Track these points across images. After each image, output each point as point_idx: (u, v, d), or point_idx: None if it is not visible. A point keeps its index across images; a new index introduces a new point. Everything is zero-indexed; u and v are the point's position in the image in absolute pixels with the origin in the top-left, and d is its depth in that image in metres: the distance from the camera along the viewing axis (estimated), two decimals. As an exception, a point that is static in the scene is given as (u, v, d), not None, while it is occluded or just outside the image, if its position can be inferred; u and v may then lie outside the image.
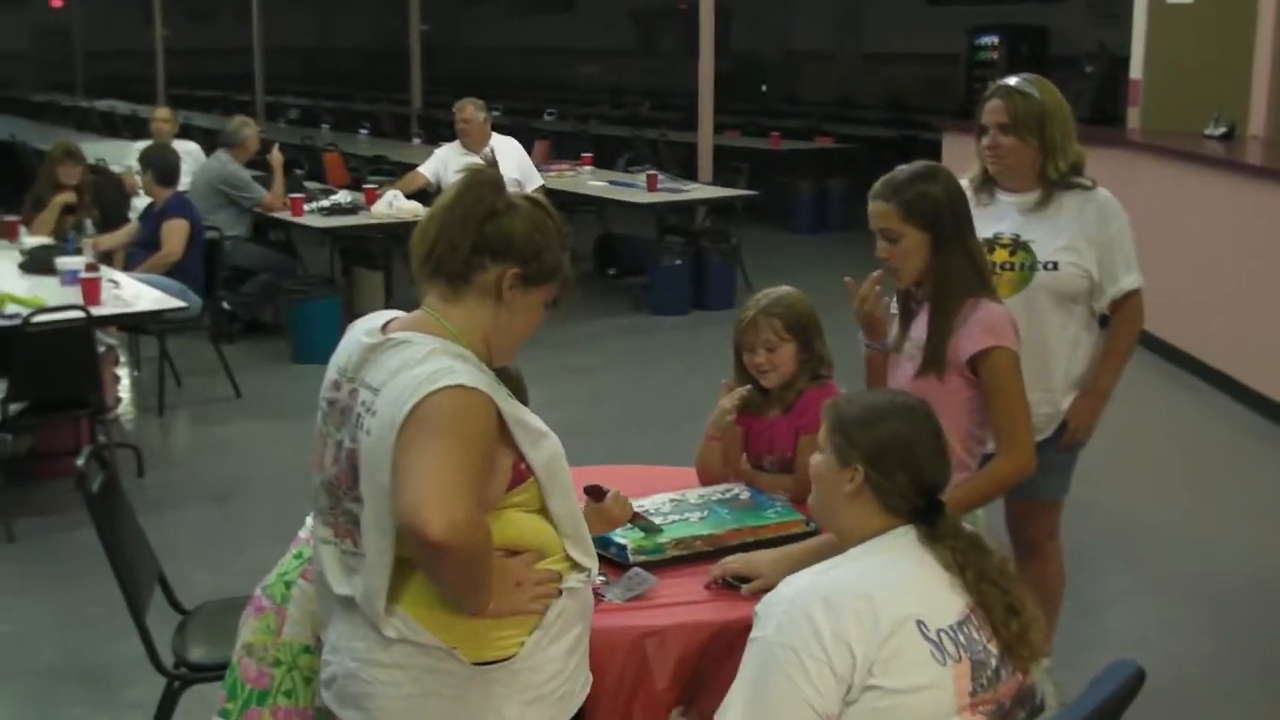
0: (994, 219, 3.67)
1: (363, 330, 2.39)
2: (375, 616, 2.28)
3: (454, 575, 2.20)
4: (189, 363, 7.87)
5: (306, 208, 8.95)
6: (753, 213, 11.35)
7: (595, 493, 2.79)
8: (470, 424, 2.18)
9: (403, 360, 2.24)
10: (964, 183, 3.59)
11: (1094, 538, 5.76)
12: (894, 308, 3.36)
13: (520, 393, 2.58)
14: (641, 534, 2.95)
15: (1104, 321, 3.85)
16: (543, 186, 9.17)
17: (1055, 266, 3.62)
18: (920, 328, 3.18)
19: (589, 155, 11.74)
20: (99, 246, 7.24)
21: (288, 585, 2.78)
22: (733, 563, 2.84)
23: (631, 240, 11.11)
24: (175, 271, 7.30)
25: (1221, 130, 8.70)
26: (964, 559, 2.35)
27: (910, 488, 2.39)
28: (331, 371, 2.42)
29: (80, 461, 3.33)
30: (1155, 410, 7.74)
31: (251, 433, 7.07)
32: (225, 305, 8.63)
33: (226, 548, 5.33)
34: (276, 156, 9.21)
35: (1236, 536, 5.70)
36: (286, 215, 8.97)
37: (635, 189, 10.25)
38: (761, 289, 3.50)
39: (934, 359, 3.10)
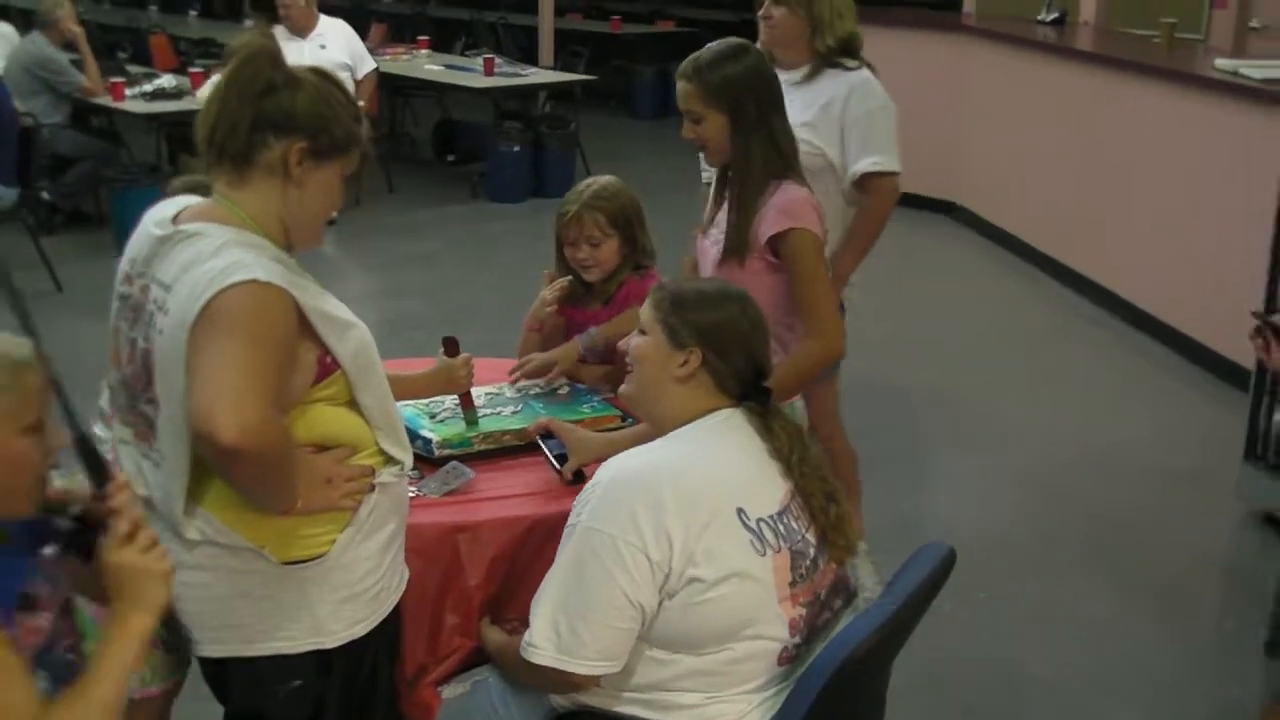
0: None
1: (153, 221, 2.27)
2: (174, 520, 2.20)
3: (250, 480, 2.13)
4: (7, 256, 7.50)
5: (128, 92, 8.60)
6: (594, 98, 11.25)
7: (451, 346, 2.74)
8: (264, 321, 2.08)
9: (194, 254, 2.13)
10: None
11: (930, 422, 5.89)
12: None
13: None
14: (459, 425, 2.91)
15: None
16: (376, 70, 8.95)
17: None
18: (726, 213, 3.15)
19: (426, 38, 11.48)
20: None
21: None
22: (552, 424, 2.84)
23: (470, 126, 10.92)
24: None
25: (1054, 16, 8.79)
26: (789, 442, 2.35)
27: (747, 369, 2.37)
28: (124, 264, 2.30)
29: None
30: (985, 293, 7.90)
31: (73, 328, 6.77)
32: (44, 195, 8.30)
33: (44, 447, 5.15)
34: (76, 30, 8.75)
35: (1068, 416, 5.86)
36: (107, 100, 8.61)
37: (472, 73, 10.05)
38: (601, 174, 3.44)
39: (736, 243, 3.08)
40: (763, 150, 3.07)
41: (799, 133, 3.57)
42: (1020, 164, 8.38)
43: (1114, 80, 7.27)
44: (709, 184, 3.36)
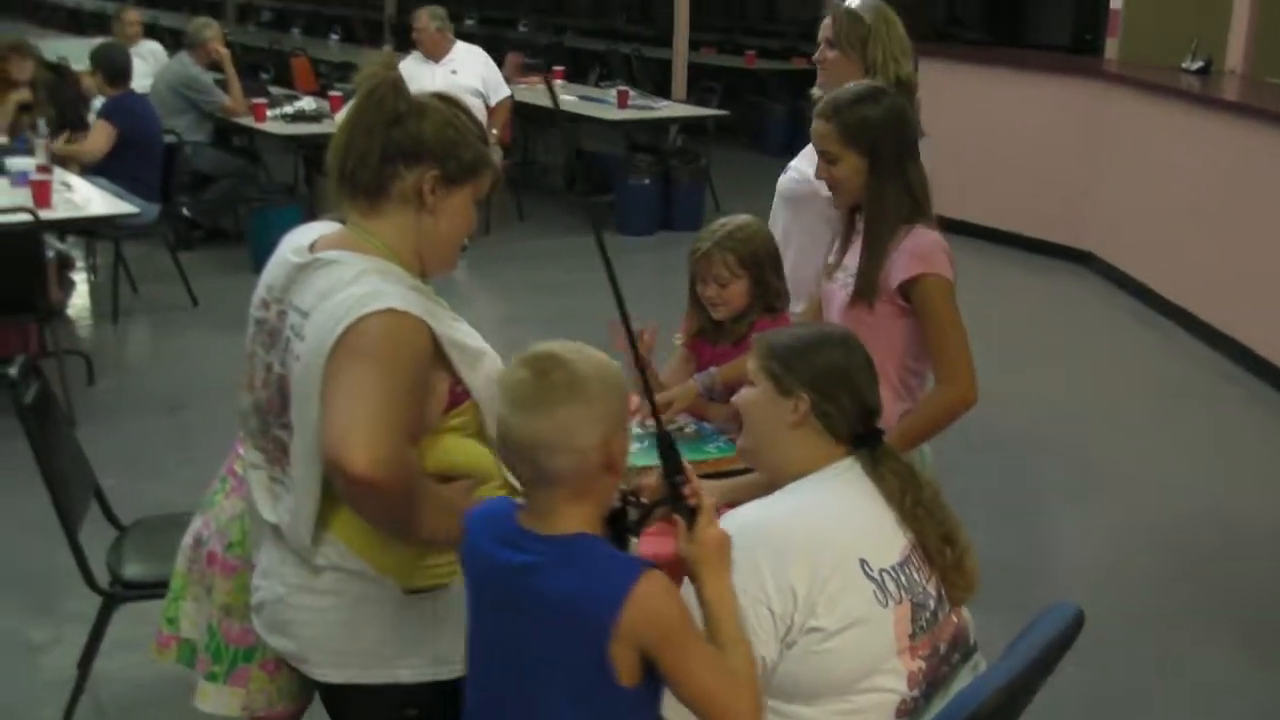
0: None
1: (290, 248, 2.29)
2: (302, 546, 2.22)
3: (377, 510, 2.14)
4: (146, 269, 7.76)
5: (270, 114, 8.80)
6: (725, 133, 11.24)
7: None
8: (399, 350, 2.09)
9: (331, 282, 2.15)
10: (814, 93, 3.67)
11: (1056, 477, 5.77)
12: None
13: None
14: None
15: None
16: (510, 98, 9.04)
17: (785, 170, 3.73)
18: (855, 255, 3.11)
19: (561, 69, 11.59)
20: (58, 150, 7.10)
21: None
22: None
23: (602, 157, 10.99)
24: (117, 178, 7.12)
25: (1199, 64, 8.61)
26: (904, 486, 2.31)
27: (855, 412, 2.34)
28: (260, 289, 2.33)
29: (13, 371, 3.25)
30: (1117, 346, 7.73)
31: (206, 342, 6.97)
32: (185, 212, 8.52)
33: (174, 460, 5.27)
34: (222, 52, 8.98)
35: (1193, 475, 5.70)
36: (249, 121, 8.81)
37: (606, 105, 10.12)
38: (730, 211, 3.44)
39: (865, 286, 3.04)
40: (896, 194, 3.04)
41: (798, 163, 3.69)
42: (1158, 215, 8.19)
43: (1260, 132, 7.09)
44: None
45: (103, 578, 3.35)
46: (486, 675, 2.06)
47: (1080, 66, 9.70)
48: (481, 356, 2.26)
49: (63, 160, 7.12)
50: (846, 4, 3.69)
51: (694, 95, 11.41)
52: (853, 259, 3.12)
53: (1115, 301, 8.42)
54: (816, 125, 3.08)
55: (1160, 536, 5.08)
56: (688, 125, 10.66)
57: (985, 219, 9.39)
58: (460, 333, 2.25)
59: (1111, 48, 9.77)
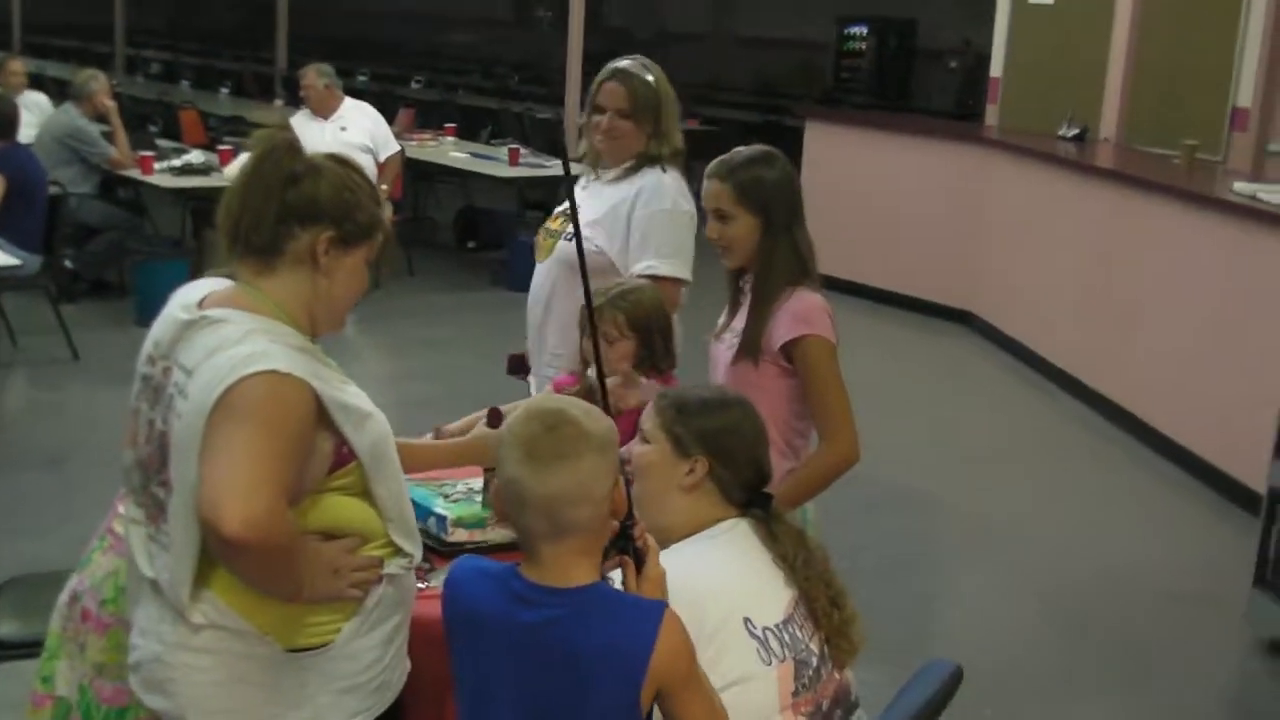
0: (584, 192, 3.72)
1: (179, 305, 2.29)
2: (180, 603, 2.20)
3: (253, 569, 2.13)
4: (27, 322, 7.62)
5: (157, 166, 8.70)
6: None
7: (496, 418, 2.73)
8: (280, 412, 2.09)
9: (218, 340, 2.15)
10: (578, 165, 3.70)
11: (941, 534, 5.87)
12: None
13: None
14: (474, 506, 2.91)
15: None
16: (401, 153, 9.05)
17: (571, 238, 3.63)
18: (743, 316, 3.17)
19: (453, 125, 11.61)
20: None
21: None
22: None
23: (493, 214, 11.01)
24: (1, 230, 7.01)
25: (1074, 131, 8.88)
26: (792, 549, 2.35)
27: (752, 476, 2.38)
28: (148, 345, 2.32)
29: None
30: (999, 405, 7.90)
31: (88, 396, 6.86)
32: (68, 264, 8.39)
33: (54, 516, 5.16)
34: (109, 104, 8.90)
35: (1078, 534, 5.83)
36: (135, 173, 8.71)
37: (497, 162, 10.16)
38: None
39: (749, 345, 3.11)
40: (785, 255, 3.12)
41: (586, 230, 3.58)
42: (1037, 277, 8.41)
43: (1132, 198, 7.33)
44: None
45: (-25, 638, 3.27)
46: None
47: (962, 132, 9.96)
48: (368, 418, 2.27)
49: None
50: (625, 70, 3.68)
51: (586, 154, 11.48)
52: (740, 320, 3.18)
53: (997, 361, 8.61)
54: (710, 185, 3.15)
55: (1043, 594, 5.19)
56: (580, 184, 10.71)
57: (871, 279, 9.57)
58: (347, 394, 2.25)
59: (992, 114, 10.05)
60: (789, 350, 3.06)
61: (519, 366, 4.00)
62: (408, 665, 2.44)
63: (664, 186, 3.66)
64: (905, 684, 2.39)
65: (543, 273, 3.75)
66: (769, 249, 3.12)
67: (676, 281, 3.62)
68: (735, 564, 2.32)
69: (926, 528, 5.91)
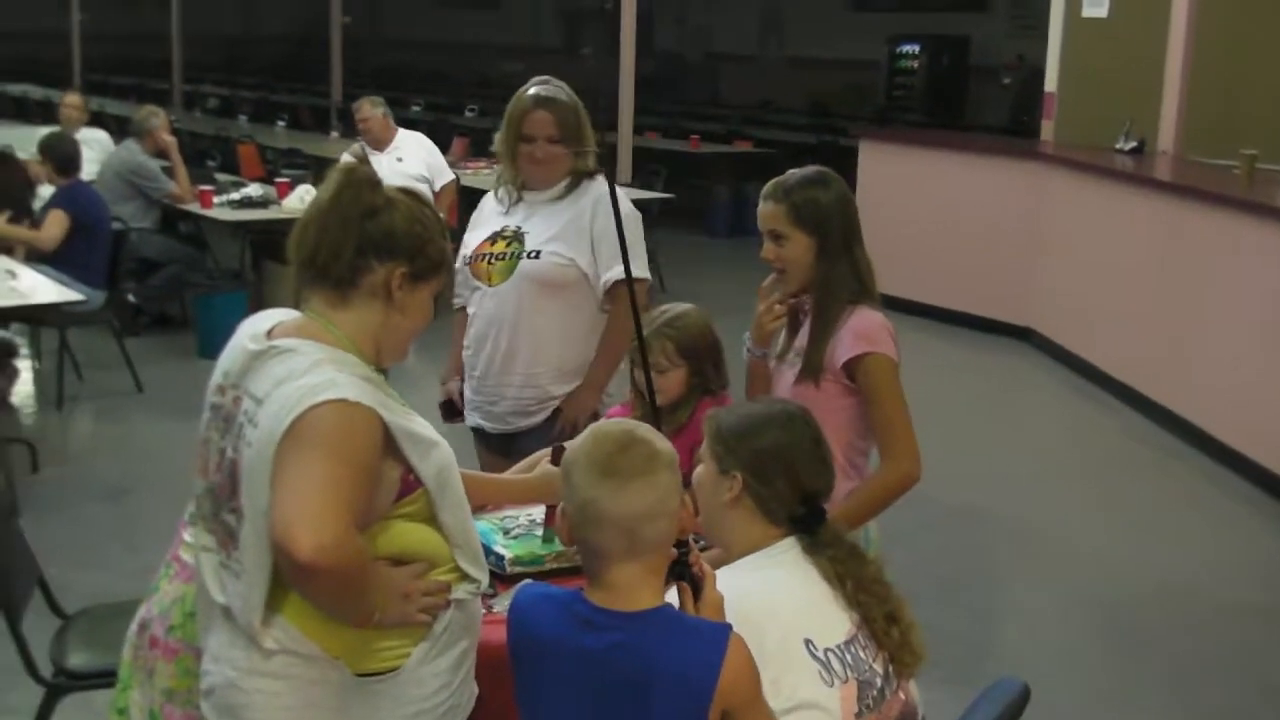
0: (509, 215, 3.82)
1: (248, 335, 2.32)
2: (252, 629, 2.22)
3: (324, 595, 2.15)
4: (91, 356, 7.73)
5: (216, 200, 8.81)
6: (669, 215, 11.34)
7: (558, 455, 2.75)
8: (349, 440, 2.12)
9: (287, 370, 2.18)
10: (493, 194, 3.84)
11: (1002, 550, 5.82)
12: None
13: None
14: (534, 542, 2.92)
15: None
16: (456, 181, 9.11)
17: (536, 255, 3.73)
18: (804, 336, 3.17)
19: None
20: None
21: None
22: None
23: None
24: (66, 266, 7.13)
25: (1132, 144, 8.82)
26: (844, 569, 2.34)
27: (790, 495, 2.37)
28: (217, 375, 2.35)
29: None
30: (1059, 420, 7.84)
31: (151, 429, 6.94)
32: (131, 298, 8.50)
33: (119, 548, 5.22)
34: (168, 140, 9.04)
35: (1136, 548, 5.77)
36: (195, 207, 8.82)
37: (552, 189, 10.19)
38: (676, 291, 3.47)
39: (810, 365, 3.10)
40: (843, 275, 3.11)
41: (548, 246, 3.72)
42: (1097, 291, 8.35)
43: (1192, 210, 7.26)
44: (749, 355, 3.35)
45: (46, 668, 3.31)
46: None
47: (1017, 148, 9.92)
48: (434, 446, 2.29)
49: (8, 247, 7.11)
50: (549, 97, 3.75)
51: (639, 178, 11.53)
52: (801, 340, 3.18)
53: (1057, 376, 8.54)
54: (765, 207, 3.15)
55: (1105, 611, 5.13)
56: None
57: (929, 297, 9.53)
58: (413, 423, 2.27)
59: (1047, 129, 10.00)
60: (851, 368, 3.06)
61: (453, 411, 4.06)
62: (475, 690, 2.44)
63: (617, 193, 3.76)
64: (972, 702, 2.37)
65: (503, 294, 3.74)
66: (827, 269, 3.12)
67: (644, 280, 3.72)
68: (794, 585, 2.32)
69: (986, 544, 5.86)
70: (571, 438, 3.55)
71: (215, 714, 2.36)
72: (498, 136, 3.86)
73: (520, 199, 3.83)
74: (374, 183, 2.31)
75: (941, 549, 5.60)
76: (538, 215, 3.79)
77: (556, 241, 3.72)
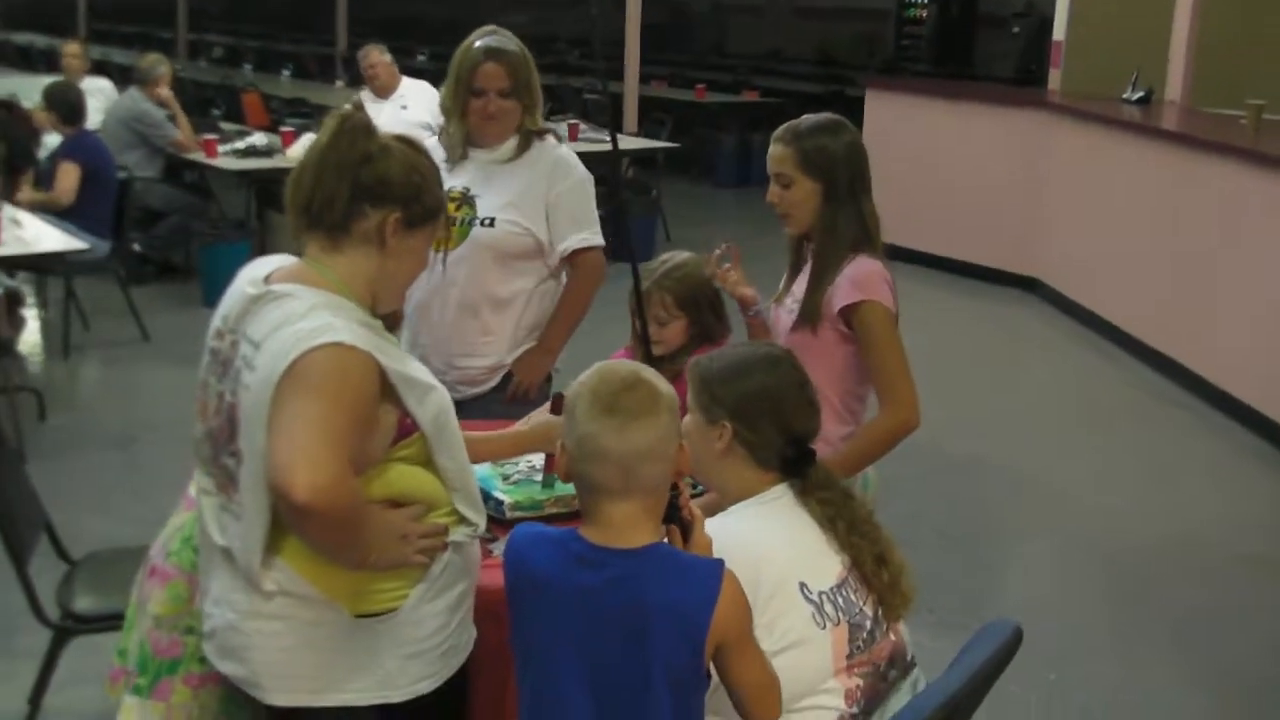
0: (454, 175, 3.64)
1: (246, 280, 2.33)
2: (251, 572, 2.25)
3: (321, 536, 2.17)
4: (97, 305, 7.75)
5: (221, 149, 8.80)
6: (676, 165, 11.35)
7: (559, 402, 2.77)
8: (345, 383, 2.13)
9: (284, 314, 2.19)
10: (436, 141, 3.65)
11: (1004, 500, 5.84)
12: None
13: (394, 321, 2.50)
14: (533, 488, 2.94)
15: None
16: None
17: (491, 223, 3.63)
18: (804, 282, 3.17)
19: (512, 102, 11.62)
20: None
21: (196, 551, 2.60)
22: None
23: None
24: (72, 215, 7.14)
25: (1139, 94, 8.77)
26: (835, 512, 2.36)
27: (779, 439, 2.39)
28: (216, 319, 2.37)
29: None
30: (1063, 371, 7.84)
31: (157, 377, 6.96)
32: (136, 247, 8.51)
33: (126, 494, 5.26)
34: (165, 94, 9.02)
35: (1139, 499, 5.78)
36: (199, 156, 8.82)
37: (556, 138, 10.18)
38: (681, 241, 3.48)
39: (808, 312, 3.11)
40: (847, 223, 3.11)
41: (503, 213, 3.62)
42: (1102, 242, 8.33)
43: (1199, 160, 7.23)
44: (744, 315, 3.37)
45: (53, 612, 3.35)
46: (570, 690, 2.09)
47: (1024, 98, 9.86)
48: (430, 391, 2.30)
49: (14, 192, 7.11)
50: (499, 48, 3.63)
51: (644, 128, 11.50)
52: (801, 286, 3.18)
53: (1062, 327, 8.54)
54: (775, 149, 3.15)
55: (1106, 559, 5.15)
56: (639, 158, 10.73)
57: (935, 247, 9.52)
58: (410, 367, 2.29)
59: (1054, 79, 9.94)
60: (848, 315, 3.06)
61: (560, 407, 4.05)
62: (474, 632, 2.47)
63: (566, 159, 3.72)
64: (965, 643, 2.40)
65: (453, 262, 3.56)
66: (831, 216, 3.12)
67: (601, 248, 3.72)
68: (787, 530, 2.34)
69: (987, 494, 5.89)
70: (526, 401, 3.58)
71: (218, 656, 2.39)
72: (443, 91, 3.74)
73: (465, 156, 3.68)
74: (369, 129, 2.32)
75: (942, 497, 5.63)
76: (487, 177, 3.66)
77: (512, 209, 3.62)
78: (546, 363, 3.80)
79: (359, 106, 2.37)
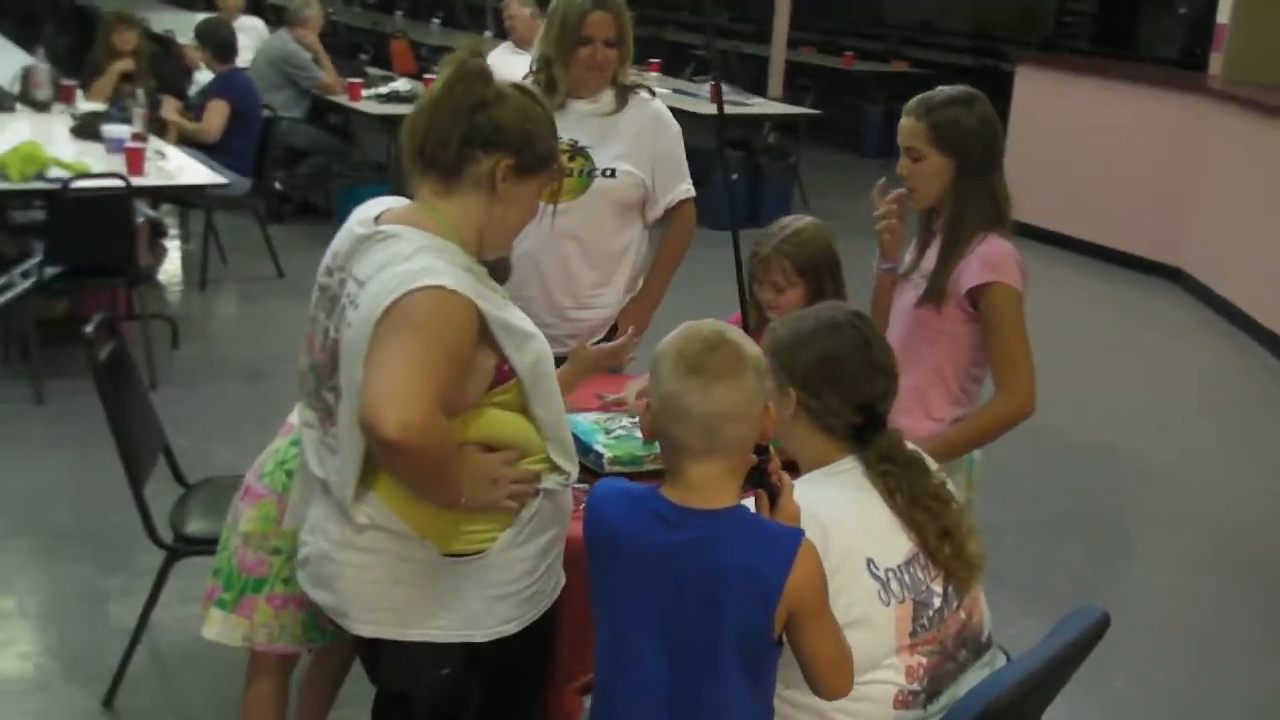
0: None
1: (357, 219, 2.36)
2: (345, 504, 2.28)
3: (409, 473, 2.20)
4: (236, 240, 7.92)
5: (365, 93, 8.92)
6: (819, 132, 11.22)
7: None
8: (444, 325, 2.14)
9: (390, 255, 2.21)
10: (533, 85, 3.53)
11: (1118, 484, 5.72)
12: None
13: (504, 272, 2.51)
14: (634, 443, 2.93)
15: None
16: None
17: (613, 174, 3.63)
18: (932, 257, 3.10)
19: (657, 61, 11.60)
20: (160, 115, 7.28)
21: (288, 474, 2.70)
22: None
23: (693, 151, 10.98)
24: (216, 151, 7.28)
25: (1306, 83, 8.47)
26: (895, 483, 2.30)
27: (842, 406, 2.33)
28: (326, 257, 2.41)
29: (89, 329, 3.35)
30: (1200, 362, 7.63)
31: (290, 314, 7.04)
32: (277, 186, 8.67)
33: (249, 426, 5.35)
34: (310, 37, 9.12)
35: (1269, 496, 5.62)
36: (344, 99, 8.94)
37: (697, 99, 10.14)
38: (818, 210, 3.44)
39: (934, 289, 3.03)
40: (978, 201, 3.03)
41: (619, 164, 3.63)
42: (1254, 236, 8.06)
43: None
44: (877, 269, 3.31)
45: (166, 534, 3.43)
46: (644, 646, 2.09)
47: (1182, 82, 9.56)
48: (530, 339, 2.31)
49: (161, 127, 7.28)
50: None
51: (789, 94, 11.39)
52: (929, 262, 3.11)
53: (1203, 318, 8.30)
54: (906, 122, 3.07)
55: (1227, 555, 5.02)
56: (781, 123, 10.64)
57: (1078, 231, 9.30)
58: (510, 314, 2.30)
59: (1216, 63, 9.62)
60: (975, 296, 2.99)
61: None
62: (562, 579, 2.49)
63: (663, 112, 3.78)
64: (1052, 627, 2.34)
65: (571, 212, 3.57)
66: (962, 192, 3.03)
67: (690, 198, 3.79)
68: (856, 504, 2.29)
69: (1109, 480, 5.75)
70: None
71: (310, 583, 2.44)
72: (539, 40, 3.72)
73: (563, 106, 3.61)
74: (485, 75, 2.32)
75: (1063, 482, 5.51)
76: (595, 129, 3.65)
77: (626, 160, 3.64)
78: (648, 314, 3.83)
79: (476, 51, 2.37)
